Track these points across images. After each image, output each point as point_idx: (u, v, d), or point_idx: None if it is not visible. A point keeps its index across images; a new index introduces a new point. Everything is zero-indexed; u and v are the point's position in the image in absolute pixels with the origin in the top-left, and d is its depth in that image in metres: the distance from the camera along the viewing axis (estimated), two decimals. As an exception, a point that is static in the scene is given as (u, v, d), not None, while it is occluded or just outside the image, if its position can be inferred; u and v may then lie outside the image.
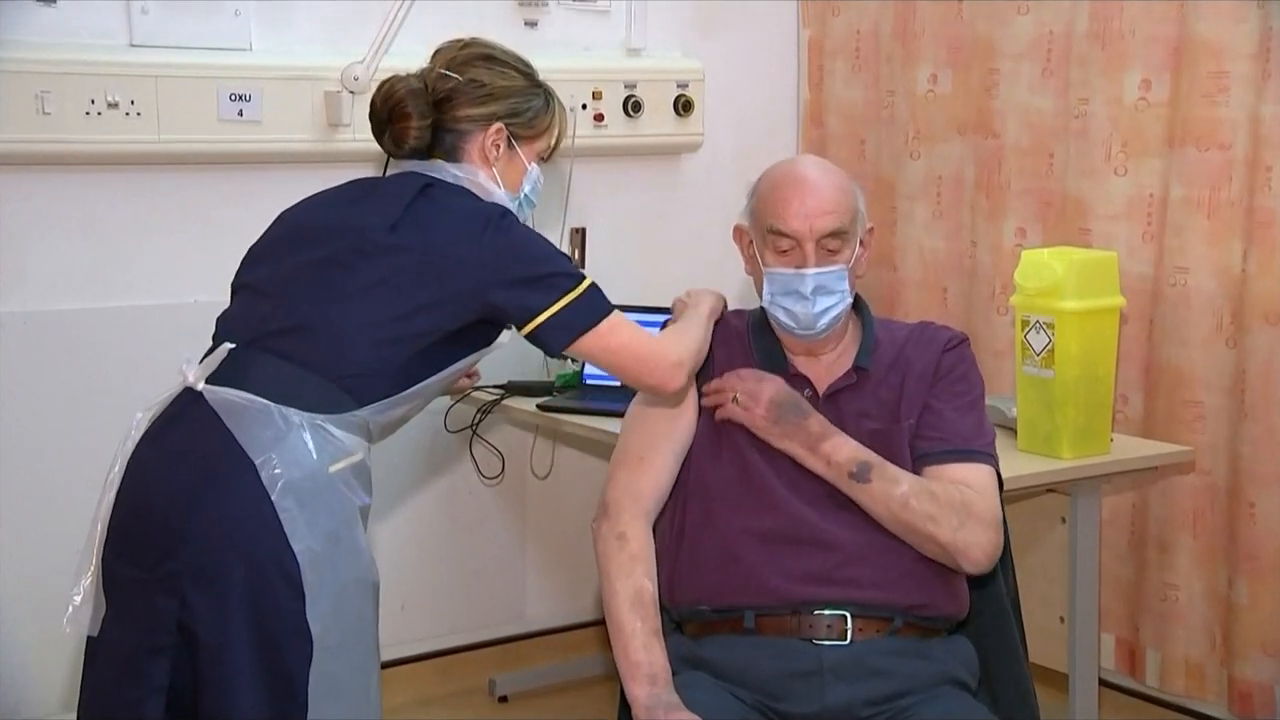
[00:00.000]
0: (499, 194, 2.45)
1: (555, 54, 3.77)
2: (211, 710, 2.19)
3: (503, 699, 3.85)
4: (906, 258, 3.89)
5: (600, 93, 3.79)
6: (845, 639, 2.36)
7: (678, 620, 2.49)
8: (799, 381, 2.52)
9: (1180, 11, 3.24)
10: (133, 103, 3.23)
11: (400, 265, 2.30)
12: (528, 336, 2.38)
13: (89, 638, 2.31)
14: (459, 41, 2.51)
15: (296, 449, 2.23)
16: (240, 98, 3.34)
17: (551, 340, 2.37)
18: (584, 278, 2.38)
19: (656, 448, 2.49)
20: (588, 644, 3.95)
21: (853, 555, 2.40)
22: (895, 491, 2.37)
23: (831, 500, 2.43)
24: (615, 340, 2.39)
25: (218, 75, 3.33)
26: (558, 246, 2.44)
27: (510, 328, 2.42)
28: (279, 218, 2.47)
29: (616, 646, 2.35)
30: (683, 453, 2.51)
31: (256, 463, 2.21)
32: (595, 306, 2.37)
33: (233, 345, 2.32)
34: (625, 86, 3.84)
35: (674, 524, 2.49)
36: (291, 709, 2.20)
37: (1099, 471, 3.06)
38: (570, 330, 2.36)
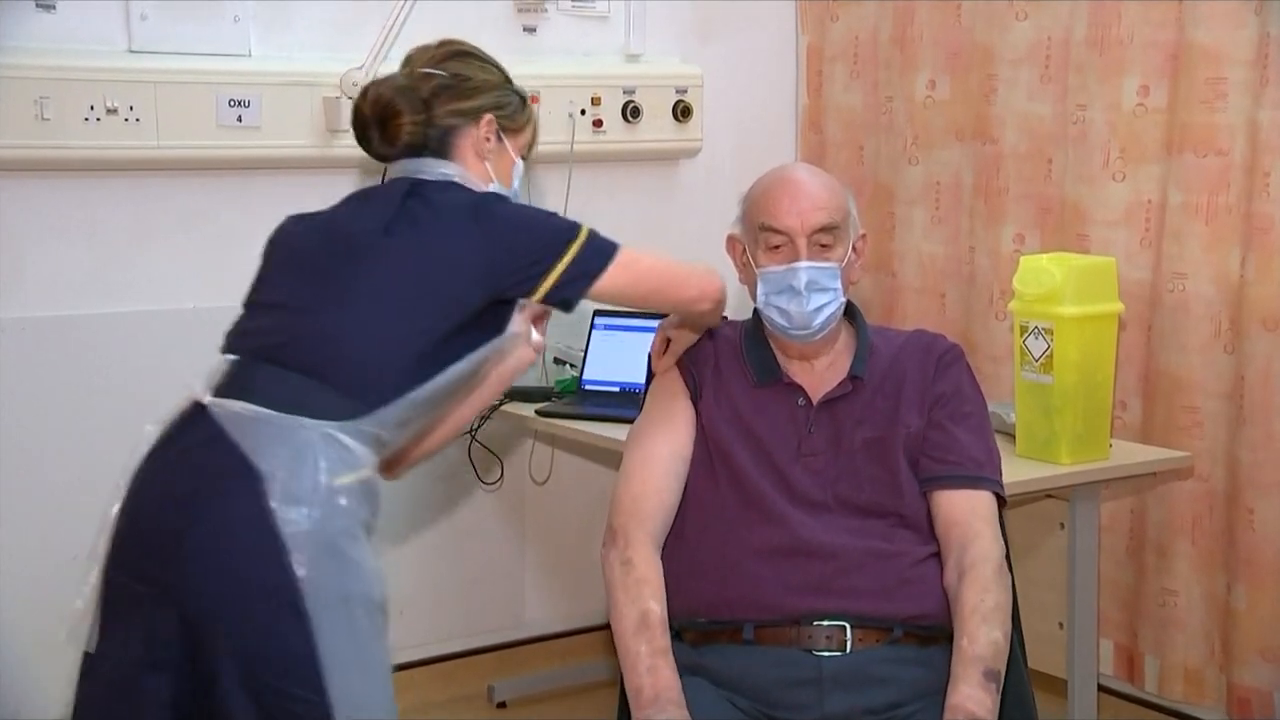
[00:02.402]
0: (493, 188, 2.44)
1: (554, 60, 3.78)
2: None
3: (501, 705, 3.85)
4: (905, 263, 3.89)
5: (599, 98, 3.79)
6: (845, 649, 2.37)
7: (677, 628, 2.48)
8: (793, 390, 2.52)
9: (1178, 17, 3.24)
10: (132, 108, 3.23)
11: (398, 265, 2.28)
12: (545, 301, 2.34)
13: (85, 654, 2.24)
14: (434, 43, 2.51)
15: (303, 462, 2.17)
16: (239, 103, 3.34)
17: (570, 293, 2.33)
18: (579, 227, 2.35)
19: (659, 467, 2.49)
20: (587, 649, 3.95)
21: (851, 563, 2.40)
22: (1000, 650, 2.31)
23: (829, 509, 2.43)
24: (639, 267, 2.38)
25: (217, 81, 3.33)
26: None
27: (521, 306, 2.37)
28: (273, 240, 2.42)
29: (623, 668, 2.34)
30: (685, 468, 2.50)
31: (263, 474, 2.15)
32: (600, 249, 2.35)
33: (235, 357, 2.29)
34: (624, 92, 3.84)
35: (671, 534, 2.48)
36: None
37: (1098, 477, 3.06)
38: (585, 278, 2.32)
